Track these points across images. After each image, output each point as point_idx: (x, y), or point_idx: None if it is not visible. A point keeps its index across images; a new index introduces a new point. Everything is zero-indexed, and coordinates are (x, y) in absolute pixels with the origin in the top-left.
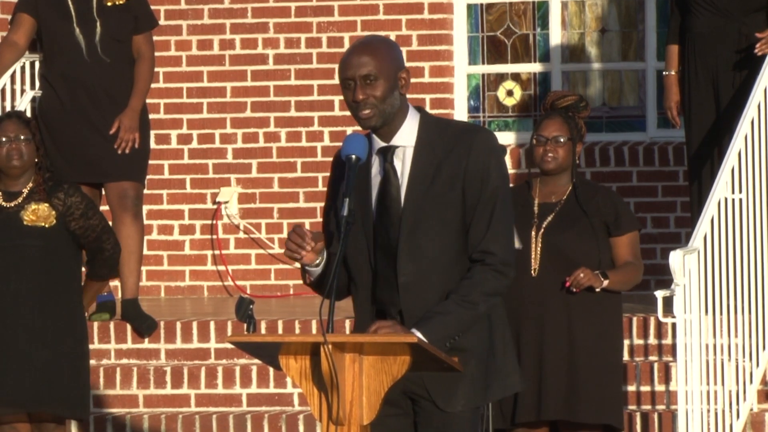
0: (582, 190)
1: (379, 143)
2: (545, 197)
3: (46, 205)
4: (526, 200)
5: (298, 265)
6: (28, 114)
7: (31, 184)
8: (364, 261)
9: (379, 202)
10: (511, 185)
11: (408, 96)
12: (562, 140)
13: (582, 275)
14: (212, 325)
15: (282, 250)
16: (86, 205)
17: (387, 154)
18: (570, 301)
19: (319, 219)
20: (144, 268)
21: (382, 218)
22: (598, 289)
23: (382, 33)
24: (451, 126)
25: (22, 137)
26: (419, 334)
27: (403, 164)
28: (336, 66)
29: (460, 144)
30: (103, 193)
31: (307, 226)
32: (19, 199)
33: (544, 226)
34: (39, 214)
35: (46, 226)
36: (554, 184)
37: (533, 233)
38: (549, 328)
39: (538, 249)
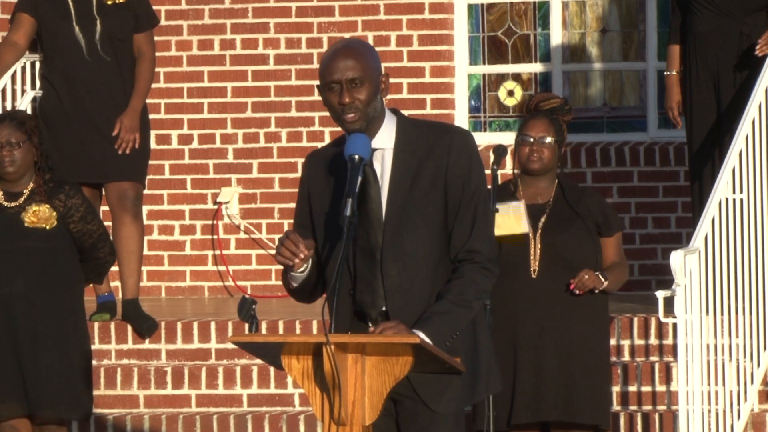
0: (569, 192)
1: None
2: (531, 198)
3: (47, 206)
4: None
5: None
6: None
7: (32, 185)
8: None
9: (359, 204)
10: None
11: (409, 96)
12: (548, 141)
13: (587, 277)
14: (213, 325)
15: None
16: (86, 208)
17: None
18: (568, 303)
19: None
20: (145, 269)
21: (362, 221)
22: (597, 291)
23: (383, 33)
24: (429, 127)
25: (13, 140)
26: (422, 335)
27: (382, 166)
28: None
29: (439, 145)
30: (103, 193)
31: None
32: (20, 201)
33: (540, 227)
34: (40, 215)
35: (47, 227)
36: (537, 186)
37: (530, 234)
38: (548, 329)
39: (538, 250)
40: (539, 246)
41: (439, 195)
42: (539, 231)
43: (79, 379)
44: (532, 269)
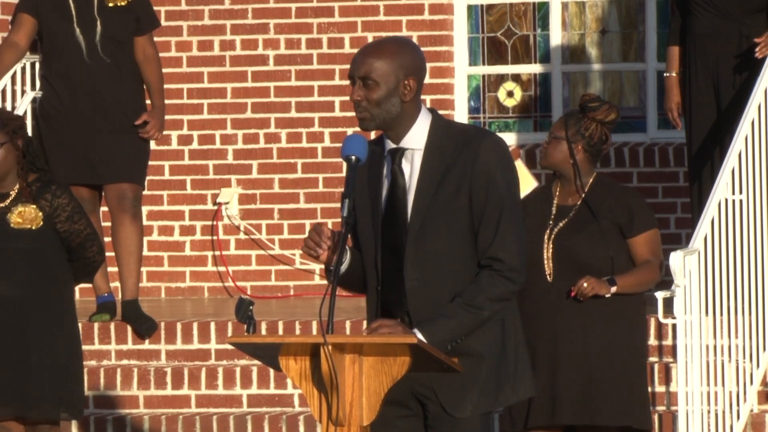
0: (594, 192)
1: (390, 144)
2: (563, 199)
3: (34, 206)
4: (548, 199)
5: (297, 265)
6: (29, 114)
7: (18, 186)
8: (371, 260)
9: (387, 203)
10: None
11: None
12: (555, 137)
13: (585, 285)
14: (213, 325)
15: (282, 251)
16: (73, 208)
17: (395, 156)
18: (584, 305)
19: (320, 220)
20: (144, 269)
21: (389, 220)
22: (607, 296)
23: (383, 34)
24: (461, 130)
25: None
26: (420, 335)
27: (411, 167)
28: (336, 67)
29: (468, 149)
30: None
31: (307, 228)
32: (7, 202)
33: (556, 230)
34: (25, 216)
35: (33, 228)
36: (569, 187)
37: (546, 237)
38: (563, 333)
39: (550, 253)
40: (551, 249)
41: (463, 201)
42: (553, 234)
43: (68, 379)
44: (547, 273)
